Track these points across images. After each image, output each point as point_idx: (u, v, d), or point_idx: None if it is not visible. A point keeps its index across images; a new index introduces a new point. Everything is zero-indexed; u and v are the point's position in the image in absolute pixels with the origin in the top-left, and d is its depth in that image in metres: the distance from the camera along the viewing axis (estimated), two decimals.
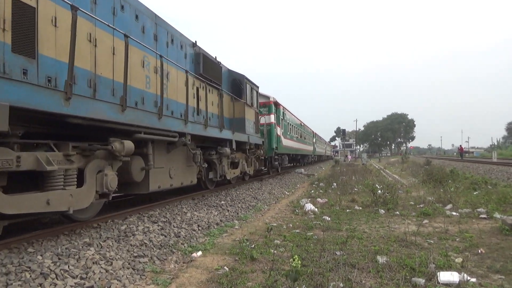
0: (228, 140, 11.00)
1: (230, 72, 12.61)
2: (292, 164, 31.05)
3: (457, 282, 4.07)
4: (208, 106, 9.76)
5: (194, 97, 9.14)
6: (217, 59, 11.32)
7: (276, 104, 19.42)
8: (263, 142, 15.74)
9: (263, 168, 18.16)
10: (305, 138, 31.38)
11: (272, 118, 18.24)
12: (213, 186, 11.35)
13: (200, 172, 9.85)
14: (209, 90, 10.06)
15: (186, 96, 8.36)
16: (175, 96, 8.07)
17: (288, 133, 22.43)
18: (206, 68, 9.76)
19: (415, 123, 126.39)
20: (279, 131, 19.05)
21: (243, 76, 12.92)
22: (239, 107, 12.45)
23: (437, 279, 4.17)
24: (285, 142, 20.92)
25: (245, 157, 13.50)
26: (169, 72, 7.79)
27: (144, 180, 6.94)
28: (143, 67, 6.80)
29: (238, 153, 12.50)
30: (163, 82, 7.26)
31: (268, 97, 18.66)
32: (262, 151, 15.51)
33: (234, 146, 11.31)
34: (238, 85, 12.72)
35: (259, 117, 15.87)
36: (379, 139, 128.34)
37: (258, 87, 15.33)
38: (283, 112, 20.86)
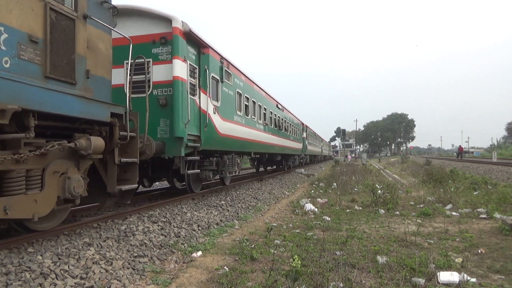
0: None
1: None
2: (262, 169, 23.43)
3: (457, 282, 4.07)
4: None
5: None
6: None
7: (195, 43, 8.86)
8: (127, 116, 5.93)
9: (146, 186, 10.19)
10: (286, 130, 20.75)
11: (179, 67, 8.04)
12: None
13: None
14: None
15: None
16: None
17: (241, 113, 12.23)
18: None
19: (415, 123, 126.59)
20: (208, 103, 9.26)
21: None
22: None
23: (437, 279, 4.18)
24: (231, 127, 11.08)
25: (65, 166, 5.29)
26: None
27: None
28: None
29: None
30: None
31: (166, 20, 8.13)
32: (141, 143, 6.55)
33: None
34: None
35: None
36: (379, 139, 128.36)
37: None
38: (224, 68, 10.41)
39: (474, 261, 5.06)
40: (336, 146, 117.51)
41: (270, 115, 17.03)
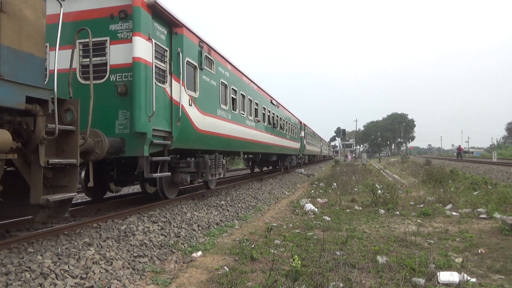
0: None
1: None
2: (258, 170, 22.25)
3: (457, 282, 4.07)
4: None
5: None
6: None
7: (165, 20, 7.53)
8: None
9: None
10: (282, 128, 19.24)
11: (142, 47, 6.68)
12: None
13: None
14: None
15: None
16: None
17: (227, 107, 10.69)
18: None
19: (415, 123, 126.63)
20: (182, 93, 7.82)
21: None
22: None
23: (437, 279, 4.18)
24: (214, 123, 9.58)
25: None
26: None
27: None
28: None
29: None
30: None
31: None
32: (82, 140, 5.26)
33: None
34: None
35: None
36: (379, 139, 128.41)
37: None
38: (204, 53, 8.99)
39: (474, 261, 5.06)
40: (336, 146, 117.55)
41: (263, 111, 15.26)
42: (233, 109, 11.20)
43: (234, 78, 11.62)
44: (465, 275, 4.21)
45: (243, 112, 12.33)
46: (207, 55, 9.21)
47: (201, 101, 8.81)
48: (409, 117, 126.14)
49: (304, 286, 3.98)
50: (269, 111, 16.42)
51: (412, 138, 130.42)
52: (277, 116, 18.11)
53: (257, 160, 19.04)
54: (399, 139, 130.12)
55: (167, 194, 8.36)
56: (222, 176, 10.88)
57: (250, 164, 21.84)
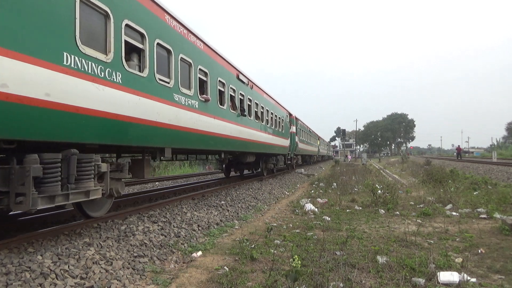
0: None
1: None
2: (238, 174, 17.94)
3: (457, 282, 4.07)
4: None
5: None
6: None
7: None
8: None
9: None
10: (260, 119, 14.48)
11: None
12: None
13: None
14: None
15: None
16: None
17: (110, 57, 5.35)
18: None
19: (415, 123, 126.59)
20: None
21: None
22: None
23: (437, 279, 4.18)
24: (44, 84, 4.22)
25: None
26: None
27: None
28: None
29: None
30: None
31: None
32: None
33: None
34: None
35: None
36: (379, 139, 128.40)
37: None
38: None
39: (474, 261, 5.06)
40: (336, 146, 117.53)
41: (221, 88, 10.23)
42: (128, 66, 5.84)
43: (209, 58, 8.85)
44: (465, 275, 4.21)
45: (166, 80, 7.14)
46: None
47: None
48: (409, 117, 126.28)
49: (304, 286, 3.98)
50: (233, 90, 11.29)
51: (412, 138, 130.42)
52: (248, 99, 13.04)
53: (225, 161, 13.97)
54: (399, 139, 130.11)
55: None
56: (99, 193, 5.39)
57: (224, 167, 17.19)
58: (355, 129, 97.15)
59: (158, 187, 13.61)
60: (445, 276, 4.20)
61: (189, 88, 8.15)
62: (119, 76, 5.59)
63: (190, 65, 8.27)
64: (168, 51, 7.27)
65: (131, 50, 6.23)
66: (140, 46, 6.30)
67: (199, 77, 8.68)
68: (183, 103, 7.77)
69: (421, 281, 4.13)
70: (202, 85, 9.08)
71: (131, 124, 5.80)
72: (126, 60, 5.82)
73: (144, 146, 6.52)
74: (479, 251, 5.51)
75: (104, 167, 5.62)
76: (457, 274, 4.21)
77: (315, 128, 40.09)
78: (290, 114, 22.52)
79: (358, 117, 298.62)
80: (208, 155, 13.30)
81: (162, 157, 8.05)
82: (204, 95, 8.97)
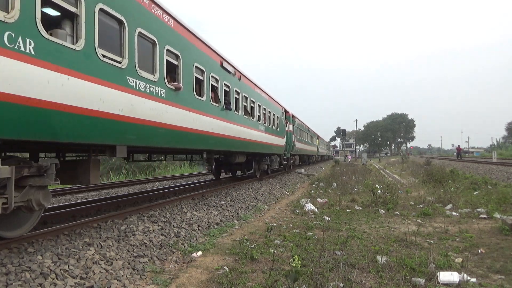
0: None
1: None
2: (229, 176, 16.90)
3: (457, 282, 4.07)
4: None
5: None
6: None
7: None
8: None
9: None
10: (250, 114, 13.09)
11: None
12: None
13: None
14: None
15: None
16: None
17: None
18: None
19: (415, 123, 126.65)
20: None
21: None
22: None
23: (437, 279, 4.18)
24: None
25: None
26: None
27: None
28: None
29: None
30: None
31: None
32: None
33: None
34: None
35: None
36: (379, 139, 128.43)
37: None
38: None
39: (474, 261, 5.06)
40: (336, 146, 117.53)
41: (198, 75, 8.72)
42: (48, 34, 4.38)
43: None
44: (465, 275, 4.21)
45: (116, 59, 5.67)
46: None
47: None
48: (409, 117, 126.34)
49: (304, 286, 3.98)
50: (216, 79, 9.91)
51: (412, 138, 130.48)
52: (236, 91, 11.58)
53: (211, 161, 12.15)
54: (399, 139, 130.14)
55: None
56: None
57: (213, 168, 15.89)
58: (355, 129, 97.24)
59: (158, 187, 13.62)
60: (445, 276, 4.20)
61: (152, 72, 6.65)
62: (30, 44, 3.99)
63: (153, 43, 6.76)
64: (120, 22, 5.72)
65: (62, 14, 4.82)
66: (72, 9, 4.73)
67: (166, 60, 7.18)
68: (142, 89, 6.25)
69: (421, 281, 4.13)
70: (172, 70, 7.66)
71: (55, 113, 4.35)
72: (45, 26, 4.24)
73: (81, 143, 4.95)
74: (479, 251, 5.52)
75: (6, 171, 3.93)
76: (457, 274, 4.21)
77: (314, 128, 39.70)
78: (287, 111, 21.11)
79: (358, 117, 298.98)
80: (187, 154, 11.56)
81: (114, 158, 6.01)
82: (175, 83, 7.48)
